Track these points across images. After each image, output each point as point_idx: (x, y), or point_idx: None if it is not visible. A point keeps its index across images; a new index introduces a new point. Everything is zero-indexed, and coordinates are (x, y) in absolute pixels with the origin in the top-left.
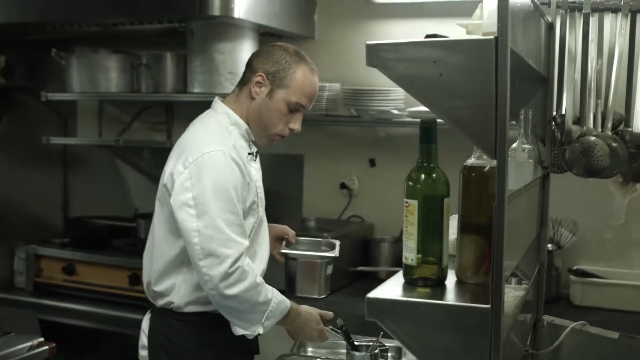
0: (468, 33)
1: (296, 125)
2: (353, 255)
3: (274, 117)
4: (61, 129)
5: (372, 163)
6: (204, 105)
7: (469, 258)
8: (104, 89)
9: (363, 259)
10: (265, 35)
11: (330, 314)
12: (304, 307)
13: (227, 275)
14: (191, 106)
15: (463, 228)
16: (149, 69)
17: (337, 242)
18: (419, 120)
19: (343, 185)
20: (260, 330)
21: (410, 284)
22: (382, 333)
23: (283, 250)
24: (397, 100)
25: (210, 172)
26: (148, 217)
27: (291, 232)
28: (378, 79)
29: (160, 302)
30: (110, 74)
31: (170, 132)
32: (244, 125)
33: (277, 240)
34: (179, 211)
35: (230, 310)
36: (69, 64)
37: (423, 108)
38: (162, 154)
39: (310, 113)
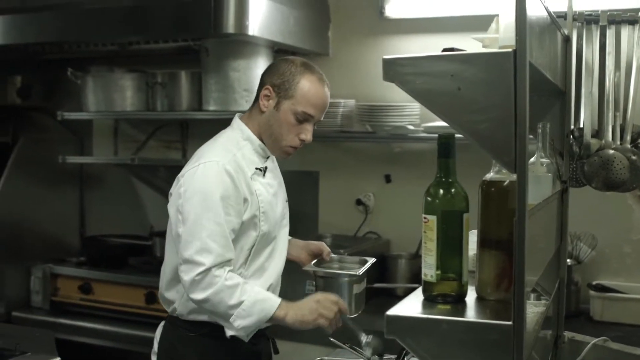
0: (484, 47)
1: (306, 135)
2: (369, 272)
3: (282, 129)
4: (77, 148)
5: (388, 179)
6: (219, 122)
7: (489, 274)
8: (119, 107)
9: (380, 276)
10: (280, 52)
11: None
12: (305, 300)
13: (195, 282)
14: (206, 124)
15: (482, 243)
16: (164, 87)
17: (371, 260)
18: (434, 135)
19: (359, 202)
20: (233, 332)
21: (429, 301)
22: (404, 351)
23: (305, 268)
24: (413, 116)
25: (200, 181)
26: (164, 235)
27: (326, 249)
28: (393, 95)
29: (169, 309)
30: (126, 93)
31: (185, 149)
32: (257, 140)
33: (313, 256)
34: (173, 217)
35: (211, 314)
36: (85, 84)
37: (439, 123)
38: (177, 171)
39: (325, 129)
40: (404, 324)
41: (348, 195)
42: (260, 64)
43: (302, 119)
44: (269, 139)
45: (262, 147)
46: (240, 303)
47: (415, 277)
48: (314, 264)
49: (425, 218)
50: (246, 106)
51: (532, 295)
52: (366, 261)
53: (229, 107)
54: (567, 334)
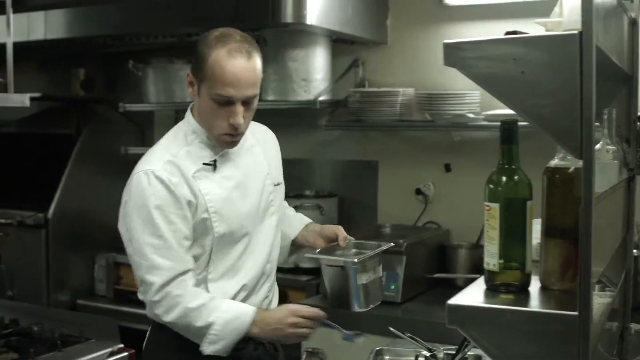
0: (547, 31)
1: (235, 119)
2: (429, 262)
3: (209, 116)
4: (139, 139)
5: (448, 168)
6: (278, 112)
7: (554, 263)
8: (179, 98)
9: (439, 266)
10: (338, 42)
11: (314, 310)
12: (269, 312)
13: (155, 303)
14: (264, 113)
15: (547, 232)
16: None
17: (385, 246)
18: (495, 124)
19: (418, 191)
20: (209, 352)
21: (492, 290)
22: (466, 342)
23: (306, 255)
24: (473, 104)
25: (134, 195)
26: None
27: (342, 234)
28: (453, 83)
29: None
30: (186, 84)
31: None
32: (204, 132)
33: (328, 241)
34: (122, 235)
35: (180, 331)
36: (145, 75)
37: (500, 111)
38: None
39: (384, 119)
40: (466, 313)
41: (407, 185)
42: (318, 54)
43: (223, 101)
44: (206, 128)
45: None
46: (209, 325)
47: (475, 267)
48: (326, 250)
49: (487, 206)
50: (304, 96)
51: (597, 287)
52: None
53: (287, 97)
54: (634, 326)
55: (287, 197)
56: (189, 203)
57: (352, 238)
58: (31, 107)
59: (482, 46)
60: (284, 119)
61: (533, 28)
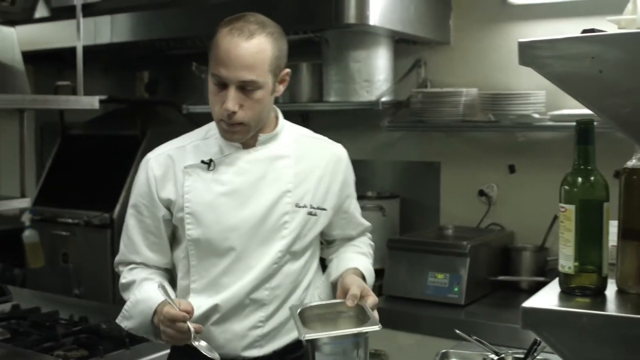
0: (620, 29)
1: (226, 103)
2: (492, 264)
3: (211, 101)
4: None
5: (512, 169)
6: (340, 113)
7: (631, 266)
8: None
9: (503, 268)
10: (400, 42)
11: (174, 313)
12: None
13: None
14: (327, 115)
15: (624, 234)
16: None
17: (364, 329)
18: (561, 124)
19: (481, 193)
20: (123, 326)
21: (567, 294)
22: (535, 346)
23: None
24: (538, 104)
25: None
26: None
27: (352, 291)
28: (517, 83)
29: None
30: None
31: None
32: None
33: (343, 295)
34: None
35: None
36: (208, 77)
37: (566, 111)
38: None
39: (447, 119)
40: (541, 316)
41: (470, 186)
42: (381, 54)
43: (218, 83)
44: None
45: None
46: (126, 301)
47: (540, 270)
48: (322, 306)
49: (562, 207)
50: (367, 97)
51: None
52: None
53: (349, 98)
54: None
55: None
56: (167, 201)
57: (365, 302)
58: (98, 110)
59: (558, 45)
60: (346, 120)
61: (603, 26)
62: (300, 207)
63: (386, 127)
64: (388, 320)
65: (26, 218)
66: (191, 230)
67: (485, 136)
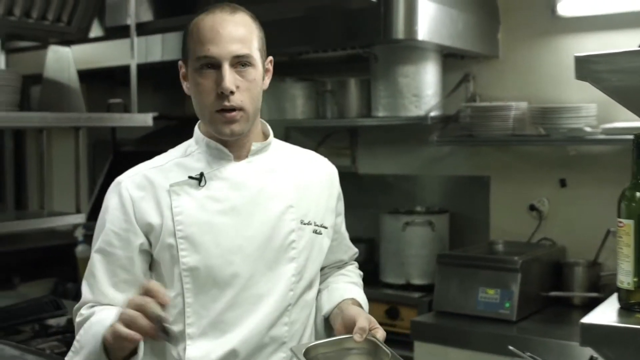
0: None
1: (224, 83)
2: (544, 279)
3: (198, 96)
4: None
5: (563, 183)
6: (388, 128)
7: None
8: (290, 116)
9: (555, 284)
10: (448, 56)
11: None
12: None
13: None
14: (375, 130)
15: None
16: (333, 95)
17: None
18: (614, 137)
19: (532, 207)
20: None
21: (626, 310)
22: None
23: (291, 348)
24: (589, 117)
25: (103, 204)
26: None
27: (360, 324)
28: (567, 96)
29: None
30: (297, 101)
31: (354, 156)
32: (203, 138)
33: (344, 329)
34: None
35: None
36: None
37: (619, 124)
38: (346, 178)
39: (497, 133)
40: (600, 333)
41: (521, 201)
42: (429, 69)
43: (206, 66)
44: (203, 121)
45: (215, 145)
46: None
47: (593, 286)
48: (328, 343)
49: (620, 222)
50: (415, 111)
51: None
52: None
53: (398, 113)
54: None
55: (397, 213)
56: (148, 227)
57: (376, 335)
58: (149, 127)
59: (616, 59)
60: (395, 134)
61: None
62: (305, 224)
63: (435, 142)
64: (439, 336)
65: (79, 233)
66: (187, 258)
67: (535, 150)
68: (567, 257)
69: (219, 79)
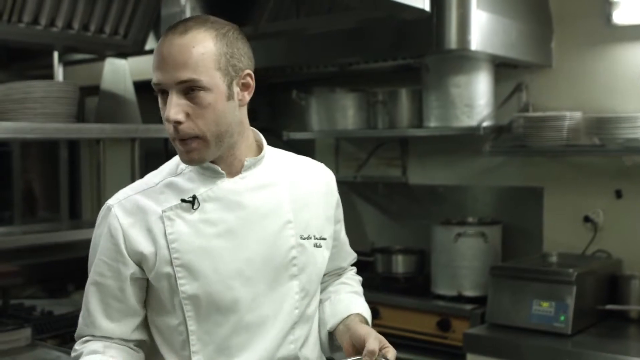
0: None
1: (168, 111)
2: (599, 292)
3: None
4: None
5: (619, 194)
6: (440, 139)
7: None
8: (341, 126)
9: (610, 297)
10: (501, 66)
11: None
12: None
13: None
14: (426, 140)
15: None
16: (384, 105)
17: None
18: None
19: (587, 219)
20: None
21: None
22: None
23: None
24: None
25: (94, 230)
26: (385, 251)
27: (370, 346)
28: (622, 105)
29: None
30: (348, 112)
31: (405, 167)
32: None
33: (354, 350)
34: None
35: None
36: (308, 104)
37: None
38: (396, 189)
39: (550, 143)
40: None
41: (575, 212)
42: (481, 79)
43: (159, 92)
44: None
45: (206, 163)
46: None
47: None
48: None
49: None
50: (467, 122)
51: None
52: None
53: (450, 124)
54: None
55: (449, 224)
56: (139, 256)
57: (387, 356)
58: None
59: None
60: (447, 145)
61: None
62: (305, 238)
63: (488, 152)
64: (492, 348)
65: None
66: (185, 286)
67: (590, 160)
68: (622, 270)
69: (167, 106)
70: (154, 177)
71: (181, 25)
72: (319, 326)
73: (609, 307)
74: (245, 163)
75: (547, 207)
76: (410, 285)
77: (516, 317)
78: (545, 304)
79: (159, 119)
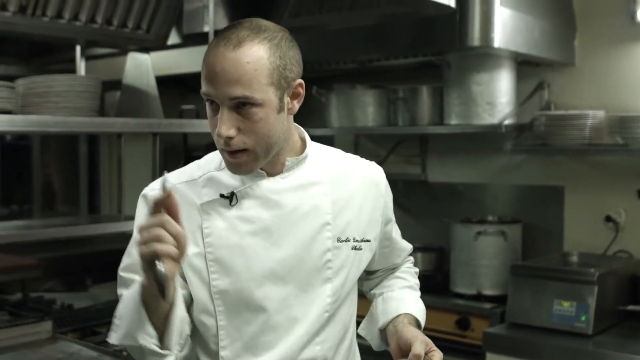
0: None
1: (219, 128)
2: (621, 293)
3: (208, 119)
4: None
5: None
6: (460, 136)
7: None
8: (361, 123)
9: (632, 297)
10: (523, 64)
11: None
12: None
13: None
14: (446, 138)
15: None
16: (405, 102)
17: None
18: None
19: (608, 218)
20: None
21: None
22: None
23: None
24: None
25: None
26: None
27: (415, 350)
28: None
29: None
30: (368, 109)
31: (425, 164)
32: None
33: (399, 351)
34: None
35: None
36: (329, 101)
37: None
38: (416, 186)
39: (572, 142)
40: None
41: (596, 212)
42: (503, 77)
43: (209, 103)
44: None
45: None
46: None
47: None
48: None
49: None
50: (489, 120)
51: None
52: None
53: (471, 121)
54: None
55: (469, 222)
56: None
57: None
58: None
59: None
60: (467, 143)
61: None
62: (342, 241)
63: (509, 151)
64: (512, 348)
65: None
66: (217, 281)
67: (612, 160)
68: None
69: (218, 121)
70: (198, 170)
71: (233, 35)
72: (372, 322)
73: (630, 307)
74: (287, 163)
75: (568, 206)
76: (430, 283)
77: (536, 316)
78: (566, 304)
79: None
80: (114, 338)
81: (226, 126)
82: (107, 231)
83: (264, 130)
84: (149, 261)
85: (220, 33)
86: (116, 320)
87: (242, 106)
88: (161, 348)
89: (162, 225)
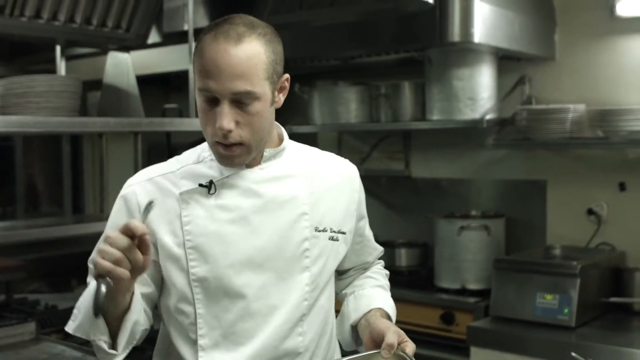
0: None
1: (219, 121)
2: (603, 285)
3: (201, 120)
4: None
5: (622, 187)
6: (442, 132)
7: None
8: (344, 120)
9: (613, 290)
10: (504, 59)
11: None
12: None
13: None
14: (429, 133)
15: None
16: (387, 98)
17: None
18: None
19: (590, 211)
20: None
21: None
22: None
23: None
24: None
25: None
26: (388, 245)
27: (388, 340)
28: (626, 98)
29: None
30: (350, 106)
31: (408, 160)
32: None
33: (372, 343)
34: None
35: None
36: (311, 98)
37: None
38: (399, 182)
39: (553, 136)
40: None
41: (578, 205)
42: (484, 72)
43: (207, 98)
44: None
45: None
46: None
47: None
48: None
49: None
50: (471, 115)
51: None
52: None
53: (453, 116)
54: None
55: (453, 217)
56: (154, 235)
57: (405, 350)
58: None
59: None
60: (450, 138)
61: None
62: (320, 231)
63: (491, 146)
64: (496, 341)
65: None
66: (196, 268)
67: (593, 153)
68: (626, 263)
69: (218, 115)
70: (176, 163)
71: (232, 31)
72: (343, 320)
73: (613, 299)
74: (265, 154)
75: (551, 200)
76: (414, 278)
77: (520, 310)
78: (549, 297)
79: (157, 113)
80: (70, 327)
81: (228, 120)
82: (91, 231)
83: (259, 124)
84: (99, 273)
85: (214, 28)
86: (75, 310)
87: (241, 100)
88: (111, 346)
89: (127, 251)
